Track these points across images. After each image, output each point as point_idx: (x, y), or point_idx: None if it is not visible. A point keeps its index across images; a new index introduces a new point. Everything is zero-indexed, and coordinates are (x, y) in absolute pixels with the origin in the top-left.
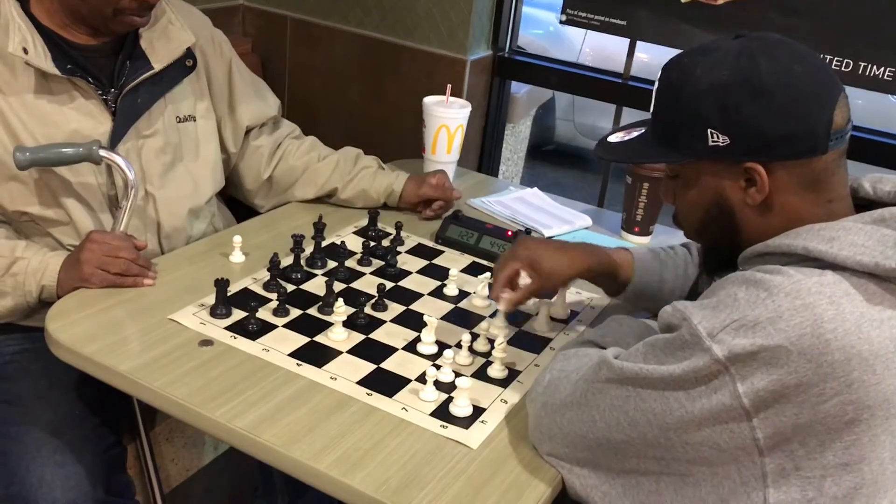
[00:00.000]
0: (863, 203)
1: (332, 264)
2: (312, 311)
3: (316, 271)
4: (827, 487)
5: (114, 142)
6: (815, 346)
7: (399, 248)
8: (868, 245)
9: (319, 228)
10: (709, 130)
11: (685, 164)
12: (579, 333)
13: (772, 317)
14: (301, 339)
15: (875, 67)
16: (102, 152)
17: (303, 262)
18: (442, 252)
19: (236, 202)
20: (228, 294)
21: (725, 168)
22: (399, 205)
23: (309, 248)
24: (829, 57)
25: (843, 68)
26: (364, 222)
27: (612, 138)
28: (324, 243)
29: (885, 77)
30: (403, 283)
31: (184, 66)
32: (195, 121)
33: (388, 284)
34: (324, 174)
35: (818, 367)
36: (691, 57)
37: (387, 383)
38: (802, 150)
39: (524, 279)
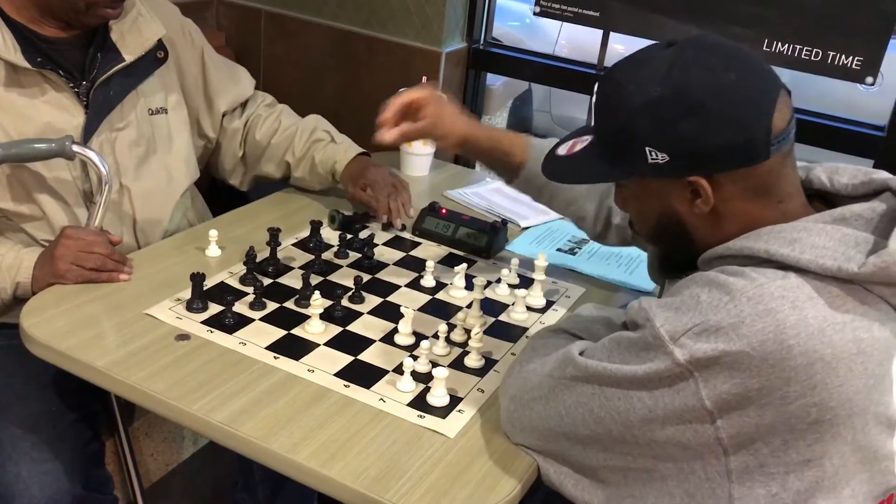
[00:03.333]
0: (818, 194)
1: (308, 257)
2: (289, 304)
3: (293, 264)
4: (790, 483)
5: (87, 135)
6: (778, 351)
7: (376, 241)
8: (829, 246)
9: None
10: (646, 148)
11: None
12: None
13: (734, 322)
14: (278, 332)
15: (844, 56)
16: (76, 148)
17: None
18: (419, 244)
19: (214, 196)
20: (205, 288)
21: (669, 182)
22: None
23: (287, 241)
24: (798, 46)
25: (812, 57)
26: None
27: (561, 150)
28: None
29: (854, 66)
30: (380, 274)
31: (155, 57)
32: (167, 113)
33: (366, 276)
34: (281, 150)
35: (781, 371)
36: (623, 70)
37: (364, 375)
38: (743, 159)
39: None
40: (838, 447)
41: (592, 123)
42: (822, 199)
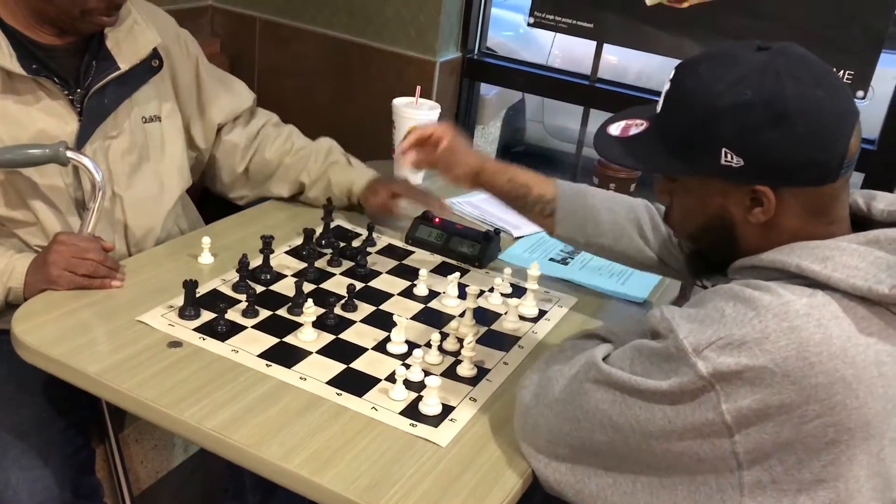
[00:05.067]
0: (854, 219)
1: (301, 265)
2: (282, 312)
3: (286, 272)
4: (801, 501)
5: (80, 142)
6: (800, 368)
7: (369, 249)
8: (861, 267)
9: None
10: (723, 150)
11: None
12: (573, 332)
13: (758, 337)
14: (270, 340)
15: (835, 70)
16: (69, 153)
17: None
18: (412, 252)
19: (207, 202)
20: (197, 295)
21: (733, 186)
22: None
23: (280, 249)
24: None
25: None
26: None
27: (613, 129)
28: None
29: (845, 79)
30: (373, 283)
31: (150, 66)
32: (160, 121)
33: (359, 285)
34: (295, 170)
35: (802, 389)
36: (711, 65)
37: (357, 383)
38: (815, 178)
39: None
40: (853, 471)
41: (660, 110)
42: (858, 224)
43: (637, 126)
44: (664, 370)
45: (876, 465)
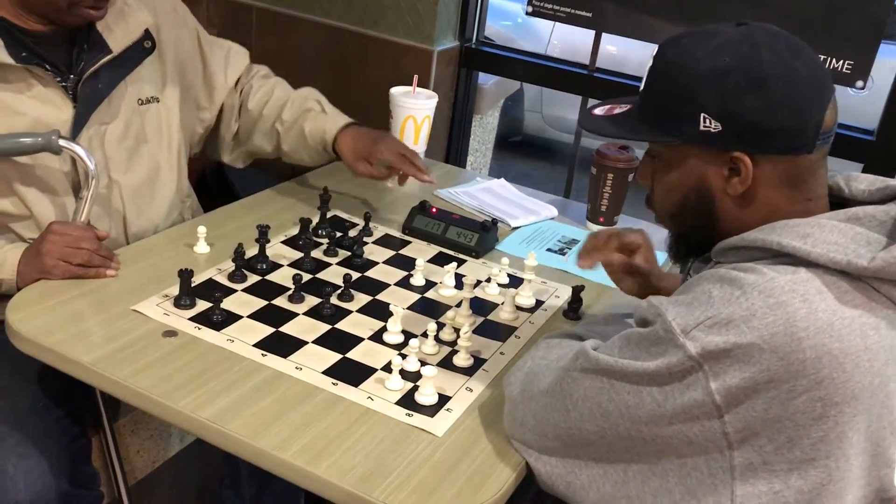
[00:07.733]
0: (837, 200)
1: (297, 255)
2: (278, 302)
3: (281, 262)
4: (793, 481)
5: (76, 129)
6: (788, 343)
7: (366, 239)
8: (841, 243)
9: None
10: (702, 115)
11: (669, 146)
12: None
13: (745, 315)
14: (266, 330)
15: (835, 60)
16: (62, 142)
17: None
18: (409, 242)
19: (203, 191)
20: (193, 284)
21: (711, 154)
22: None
23: (277, 239)
24: None
25: None
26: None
27: (598, 111)
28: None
29: (844, 70)
30: (370, 273)
31: (142, 47)
32: (159, 102)
33: (355, 275)
34: (270, 119)
35: (789, 364)
36: (692, 38)
37: (352, 373)
38: (791, 146)
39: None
40: (844, 449)
41: (642, 88)
42: (839, 205)
43: (622, 108)
44: (652, 353)
45: (864, 442)
